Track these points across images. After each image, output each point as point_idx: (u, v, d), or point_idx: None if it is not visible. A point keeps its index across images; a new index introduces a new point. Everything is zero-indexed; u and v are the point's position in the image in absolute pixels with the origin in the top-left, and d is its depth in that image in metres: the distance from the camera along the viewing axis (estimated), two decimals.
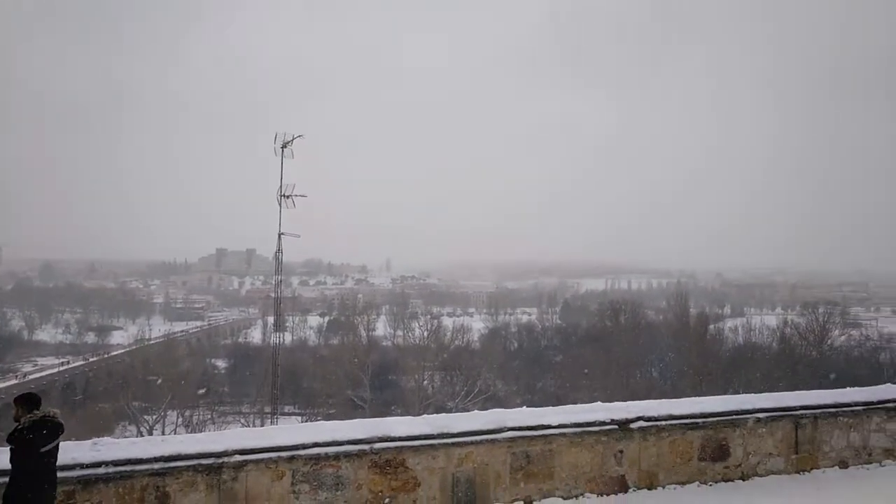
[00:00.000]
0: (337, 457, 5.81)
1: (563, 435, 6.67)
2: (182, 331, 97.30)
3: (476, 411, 7.06)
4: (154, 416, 44.20)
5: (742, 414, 7.43)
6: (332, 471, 5.81)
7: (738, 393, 9.26)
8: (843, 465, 7.85)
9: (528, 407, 7.58)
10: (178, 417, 43.94)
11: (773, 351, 61.06)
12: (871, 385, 9.05)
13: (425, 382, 56.70)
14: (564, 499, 6.57)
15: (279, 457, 5.59)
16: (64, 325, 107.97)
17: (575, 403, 7.82)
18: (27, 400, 4.64)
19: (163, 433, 38.82)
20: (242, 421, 46.70)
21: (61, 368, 68.12)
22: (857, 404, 8.03)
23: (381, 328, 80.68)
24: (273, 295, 25.55)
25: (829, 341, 61.05)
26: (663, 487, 6.97)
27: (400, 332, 73.97)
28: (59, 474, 4.68)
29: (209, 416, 46.83)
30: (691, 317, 67.24)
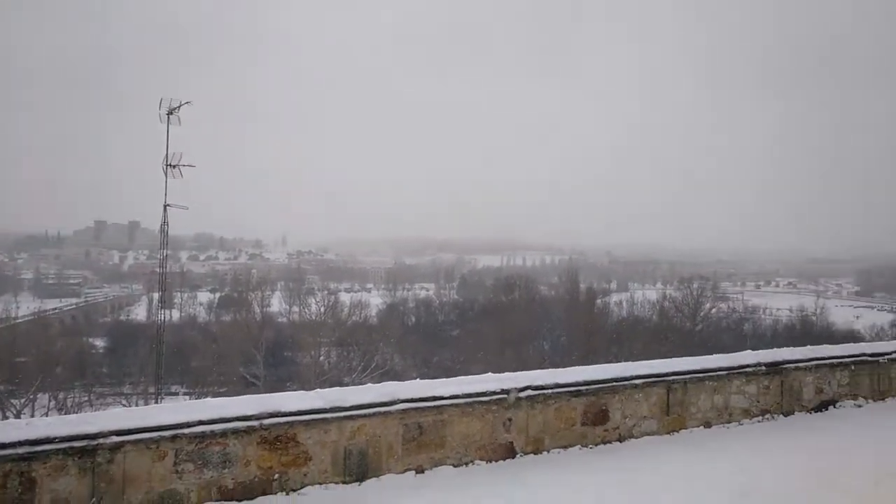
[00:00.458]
0: (224, 434, 5.63)
1: (455, 405, 6.82)
2: (55, 308, 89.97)
3: (369, 385, 7.06)
4: (22, 400, 40.83)
5: (621, 381, 7.92)
6: (219, 448, 5.63)
7: (622, 362, 9.94)
8: (708, 425, 8.59)
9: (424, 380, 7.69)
10: (49, 401, 40.84)
11: (653, 323, 65.58)
12: (734, 352, 9.92)
13: (322, 358, 56.06)
14: (455, 466, 6.75)
15: (160, 436, 5.34)
16: None
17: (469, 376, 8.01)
18: None
19: (32, 417, 35.96)
20: (124, 402, 44.22)
21: None
22: (720, 369, 8.78)
23: (277, 304, 78.69)
24: (158, 270, 24.15)
25: (701, 313, 66.37)
26: (548, 452, 7.32)
27: (296, 308, 72.46)
28: None
29: (86, 399, 43.90)
30: (581, 292, 70.69)
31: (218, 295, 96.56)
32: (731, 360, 9.03)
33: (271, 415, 5.86)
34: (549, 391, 7.34)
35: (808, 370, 9.51)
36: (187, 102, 21.45)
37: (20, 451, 4.90)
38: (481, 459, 6.94)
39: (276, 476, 5.89)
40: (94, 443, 5.12)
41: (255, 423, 5.77)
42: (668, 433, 8.25)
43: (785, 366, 9.28)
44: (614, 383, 7.86)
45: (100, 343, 62.93)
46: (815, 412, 9.49)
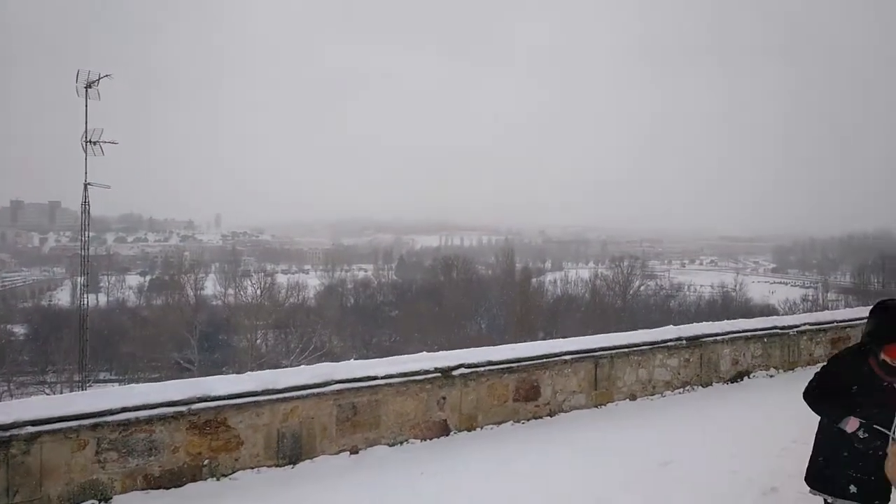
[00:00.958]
0: (150, 420, 5.48)
1: (390, 385, 6.87)
2: None
3: (303, 366, 7.02)
4: None
5: (551, 357, 8.15)
6: (145, 436, 5.48)
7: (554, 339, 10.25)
8: (633, 397, 8.97)
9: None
10: None
11: (585, 300, 67.53)
12: (659, 327, 10.36)
13: (258, 341, 55.09)
14: (390, 445, 6.81)
15: (80, 425, 5.15)
16: None
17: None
18: None
19: None
20: (48, 391, 42.20)
21: None
22: (645, 344, 9.16)
23: (211, 287, 76.53)
24: (81, 252, 23.02)
25: (631, 291, 68.80)
26: (482, 428, 7.49)
27: (231, 291, 70.64)
28: None
29: (5, 389, 41.69)
30: (516, 271, 71.96)
31: (148, 278, 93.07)
32: (655, 335, 9.43)
33: (200, 399, 5.74)
34: (482, 369, 7.49)
35: (725, 343, 10.05)
36: (107, 76, 20.43)
37: None
38: (416, 438, 7.03)
39: (206, 462, 5.79)
40: (7, 434, 4.89)
41: (182, 408, 5.64)
42: (597, 406, 8.57)
43: (704, 339, 9.77)
44: (545, 359, 8.08)
45: (19, 330, 59.62)
46: (731, 383, 10.06)
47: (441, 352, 7.78)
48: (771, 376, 10.48)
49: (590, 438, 7.32)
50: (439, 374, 7.19)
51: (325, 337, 57.07)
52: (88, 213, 21.18)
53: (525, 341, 9.67)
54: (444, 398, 7.24)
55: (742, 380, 10.22)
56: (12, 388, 42.17)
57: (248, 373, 6.50)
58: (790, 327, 10.95)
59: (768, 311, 56.16)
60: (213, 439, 5.82)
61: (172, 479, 5.64)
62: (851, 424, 3.20)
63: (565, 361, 8.26)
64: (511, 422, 7.72)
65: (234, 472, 5.92)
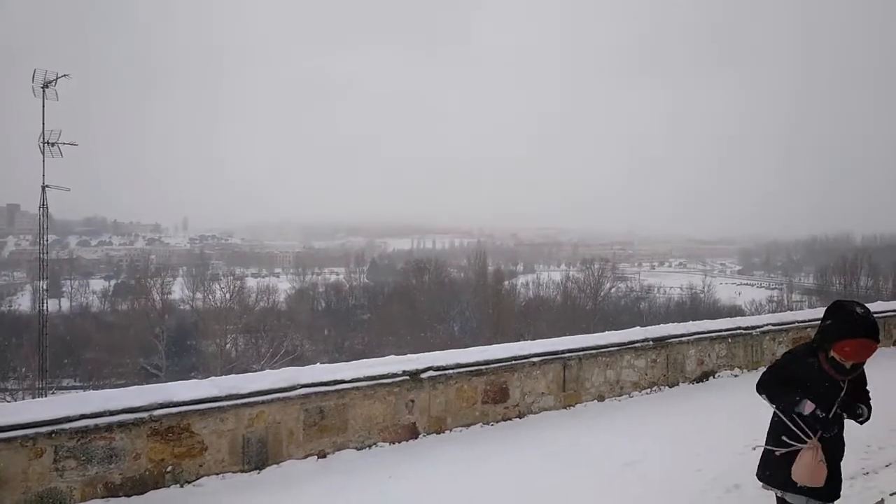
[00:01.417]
0: (110, 427, 5.36)
1: (357, 388, 6.82)
2: None
3: (268, 370, 6.92)
4: None
5: (520, 359, 8.19)
6: (105, 443, 5.35)
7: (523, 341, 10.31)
8: (601, 398, 9.06)
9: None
10: None
11: (557, 303, 68.05)
12: (627, 329, 10.48)
13: (228, 346, 54.32)
14: (358, 449, 6.76)
15: (37, 433, 5.00)
16: None
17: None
18: None
19: None
20: (8, 398, 40.99)
21: None
22: (613, 345, 9.26)
23: (179, 291, 75.19)
24: (40, 256, 22.44)
25: (602, 293, 69.56)
26: (451, 431, 7.48)
27: (199, 295, 69.52)
28: None
29: None
30: (489, 274, 72.22)
31: (113, 282, 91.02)
32: (623, 337, 9.54)
33: (162, 405, 5.63)
34: (451, 371, 7.49)
35: (691, 344, 10.22)
36: (65, 75, 19.90)
37: None
38: (384, 441, 6.99)
39: (170, 468, 5.68)
40: None
41: (144, 414, 5.52)
42: (565, 408, 8.63)
43: (670, 340, 9.92)
44: (513, 362, 8.11)
45: None
46: (697, 382, 10.23)
47: (410, 355, 7.75)
48: (735, 376, 10.68)
49: (558, 439, 7.36)
50: (408, 378, 7.17)
51: (296, 341, 56.57)
52: (47, 215, 20.63)
53: (497, 344, 9.72)
54: (412, 401, 7.22)
55: (707, 379, 10.40)
56: None
57: (211, 378, 6.40)
58: (753, 328, 11.18)
59: (735, 312, 57.28)
60: (176, 446, 5.71)
61: (134, 487, 5.52)
62: (808, 406, 3.29)
63: (534, 363, 8.31)
64: (480, 424, 7.73)
65: (198, 479, 5.81)
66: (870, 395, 3.51)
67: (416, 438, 7.21)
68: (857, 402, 3.40)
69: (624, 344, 9.40)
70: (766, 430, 3.73)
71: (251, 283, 76.12)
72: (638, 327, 10.12)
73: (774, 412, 3.59)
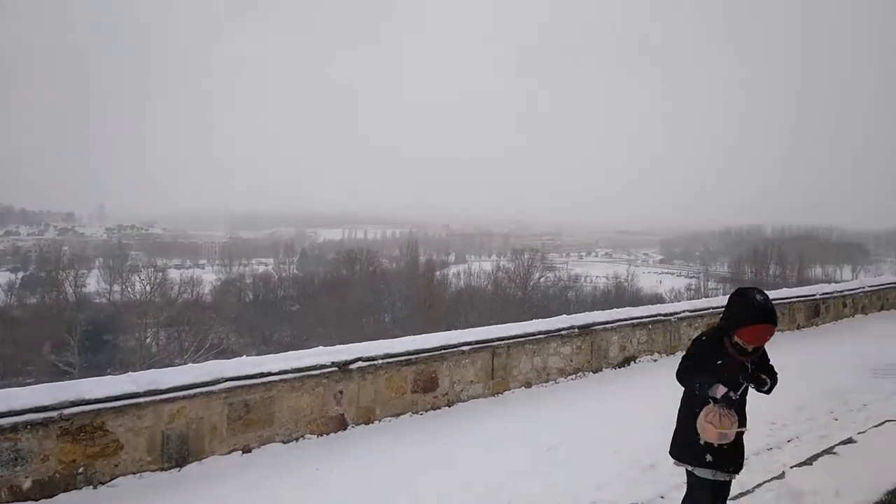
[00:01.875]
0: (14, 428, 5.04)
1: (284, 381, 6.69)
2: None
3: (190, 364, 6.68)
4: None
5: (449, 348, 8.24)
6: (9, 445, 5.03)
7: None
8: (528, 385, 9.25)
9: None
10: None
11: (488, 292, 68.94)
12: (554, 317, 10.71)
13: (149, 340, 52.14)
14: (285, 442, 6.65)
15: None
16: None
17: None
18: None
19: None
20: None
21: None
22: (540, 333, 9.47)
23: (94, 284, 71.52)
24: None
25: (531, 282, 70.97)
26: (380, 421, 7.46)
27: (117, 288, 66.34)
28: None
29: None
30: (420, 264, 72.32)
31: (21, 275, 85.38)
32: (549, 325, 9.77)
33: (74, 403, 5.34)
34: (380, 362, 7.46)
35: (614, 330, 10.58)
36: None
37: None
38: (312, 434, 6.90)
39: (82, 469, 5.40)
40: None
41: (53, 413, 5.22)
42: (493, 395, 8.77)
43: (594, 327, 10.23)
44: (443, 351, 8.16)
45: None
46: (619, 368, 10.61)
47: (338, 345, 7.66)
48: (655, 360, 11.14)
49: (485, 427, 7.48)
50: (336, 369, 7.09)
51: (222, 334, 54.93)
52: None
53: (428, 333, 9.76)
54: (341, 392, 7.15)
55: (629, 364, 10.81)
56: None
57: (128, 373, 6.11)
58: (671, 314, 11.69)
59: (656, 299, 59.74)
60: (88, 445, 5.43)
61: (43, 490, 5.22)
62: (720, 390, 3.46)
63: (463, 352, 8.39)
64: (409, 413, 7.75)
65: (113, 479, 5.56)
66: (774, 369, 3.73)
67: (344, 430, 7.15)
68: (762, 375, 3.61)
69: (551, 332, 9.62)
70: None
71: (174, 274, 73.23)
72: (564, 315, 10.38)
73: (684, 392, 3.77)
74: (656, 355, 11.26)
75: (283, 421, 6.68)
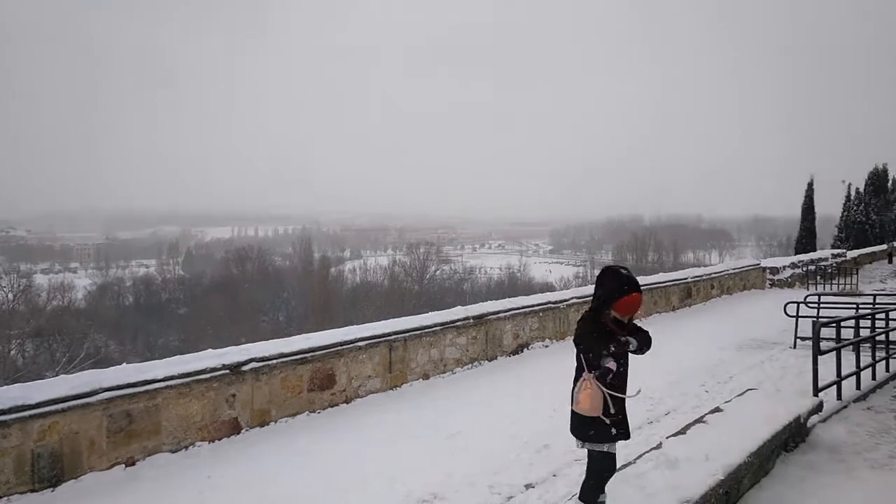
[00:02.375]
0: None
1: (171, 387, 6.36)
2: None
3: (63, 376, 6.17)
4: None
5: (346, 344, 8.17)
6: None
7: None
8: (426, 377, 9.35)
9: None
10: None
11: (384, 287, 68.79)
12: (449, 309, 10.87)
13: (13, 352, 47.54)
14: (173, 451, 6.32)
15: None
16: None
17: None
18: None
19: None
20: None
21: None
22: (436, 325, 9.59)
23: None
24: None
25: (428, 276, 71.58)
26: (276, 422, 7.27)
27: None
28: None
29: None
30: (315, 261, 70.94)
31: None
32: (445, 316, 9.92)
33: None
34: (274, 361, 7.26)
35: (507, 319, 10.91)
36: None
37: None
38: (203, 440, 6.61)
39: None
40: None
41: None
42: (392, 389, 8.79)
43: (489, 317, 10.51)
44: (339, 347, 8.07)
45: None
46: (513, 355, 10.97)
47: (229, 347, 7.37)
48: (546, 346, 11.61)
49: (384, 420, 7.49)
50: (228, 371, 6.83)
51: (99, 342, 51.15)
52: None
53: (324, 330, 9.60)
54: (234, 395, 6.89)
55: (522, 352, 11.19)
56: None
57: None
58: (560, 301, 12.21)
59: (547, 288, 62.06)
60: None
61: None
62: (611, 364, 3.66)
63: (360, 348, 8.34)
64: (306, 412, 7.61)
65: None
66: (648, 332, 3.93)
67: (238, 434, 6.90)
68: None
69: (447, 323, 9.77)
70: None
71: (41, 279, 67.29)
72: (459, 307, 10.57)
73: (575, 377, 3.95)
74: (547, 341, 11.73)
75: (172, 429, 6.35)
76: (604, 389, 3.63)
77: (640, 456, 4.58)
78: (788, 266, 23.17)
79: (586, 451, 3.89)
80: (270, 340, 7.93)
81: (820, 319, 8.31)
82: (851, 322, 9.17)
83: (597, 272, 4.10)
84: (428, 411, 7.84)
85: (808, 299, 14.03)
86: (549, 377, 9.22)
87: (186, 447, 6.45)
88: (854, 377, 7.87)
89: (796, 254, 34.99)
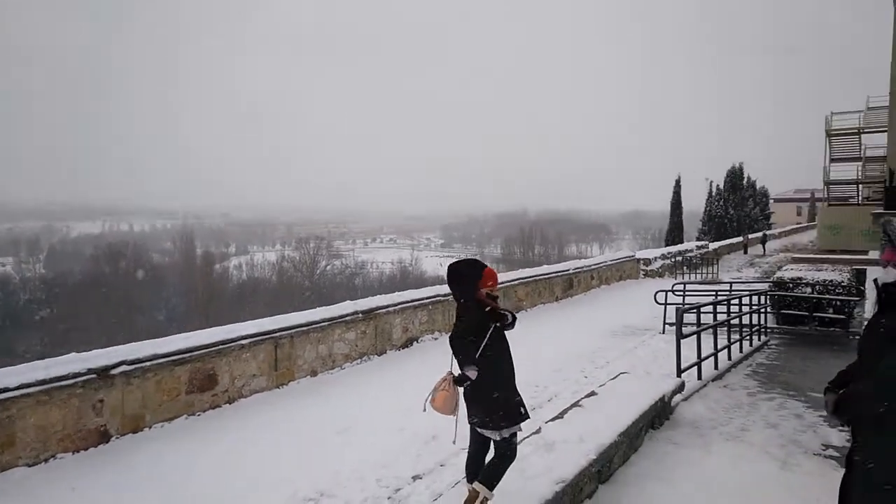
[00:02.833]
0: None
1: (28, 395, 5.82)
2: None
3: None
4: None
5: (228, 342, 7.85)
6: None
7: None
8: (314, 373, 9.19)
9: None
10: None
11: (273, 283, 66.75)
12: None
13: None
14: (31, 465, 5.79)
15: None
16: None
17: None
18: None
19: None
20: None
21: None
22: (324, 321, 9.44)
23: None
24: None
25: (318, 271, 70.24)
26: (150, 428, 6.86)
27: None
28: None
29: None
30: (198, 257, 67.53)
31: None
32: (333, 311, 9.78)
33: None
34: (148, 364, 6.85)
35: (397, 313, 10.94)
36: None
37: None
38: (67, 451, 6.11)
39: None
40: None
41: None
42: (278, 387, 8.56)
43: (378, 311, 10.48)
44: (221, 346, 7.75)
45: None
46: (403, 349, 11.02)
47: (97, 350, 6.85)
48: (436, 339, 11.76)
49: (270, 420, 7.28)
50: (95, 376, 6.36)
51: None
52: None
53: (209, 329, 9.12)
54: (101, 401, 6.42)
55: (412, 345, 11.27)
56: None
57: None
58: (449, 294, 12.34)
59: (439, 281, 62.69)
60: None
61: None
62: (472, 373, 3.77)
63: (243, 346, 8.05)
64: (185, 416, 7.24)
65: None
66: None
67: (107, 443, 6.45)
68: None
69: (335, 318, 9.64)
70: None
71: None
72: (348, 301, 10.46)
73: (484, 368, 4.01)
74: (437, 334, 11.88)
75: (28, 441, 5.82)
76: (458, 394, 3.79)
77: (520, 441, 4.75)
78: (659, 257, 24.93)
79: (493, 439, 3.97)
80: (145, 341, 7.46)
81: (683, 306, 9.01)
82: (710, 308, 10.02)
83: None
84: (316, 408, 7.71)
85: (674, 288, 15.18)
86: (439, 370, 9.33)
87: (47, 460, 5.94)
88: (712, 358, 8.62)
89: (666, 246, 37.72)
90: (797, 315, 12.67)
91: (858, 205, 29.45)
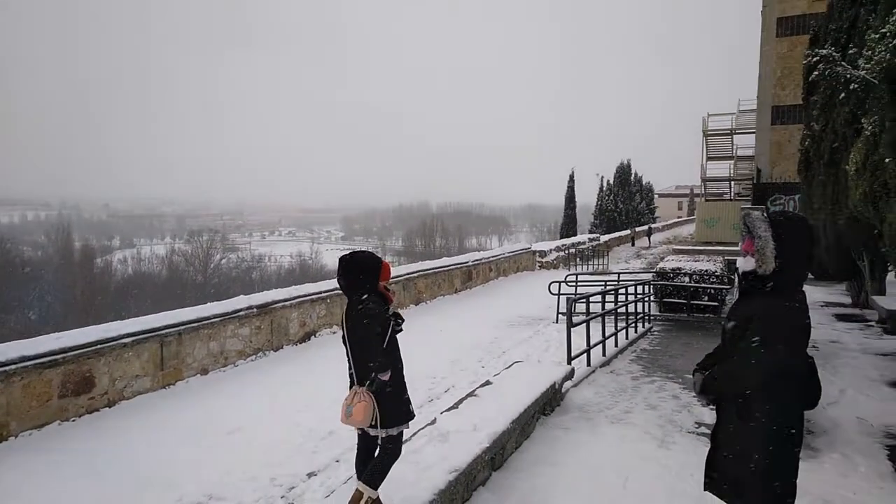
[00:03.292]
0: None
1: None
2: None
3: None
4: None
5: (108, 342, 7.35)
6: None
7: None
8: (205, 372, 8.80)
9: None
10: None
11: (163, 278, 63.24)
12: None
13: None
14: None
15: None
16: None
17: None
18: None
19: None
20: None
21: None
22: (216, 316, 9.05)
23: None
24: None
25: (212, 265, 67.26)
26: (16, 437, 6.30)
27: None
28: None
29: None
30: (76, 251, 62.81)
31: None
32: (226, 307, 9.40)
33: None
34: (13, 367, 6.28)
35: (293, 307, 10.68)
36: None
37: None
38: None
39: None
40: None
41: None
42: (164, 387, 8.13)
43: (273, 306, 10.18)
44: (100, 345, 7.24)
45: None
46: (300, 343, 10.79)
47: None
48: (334, 332, 11.59)
49: (155, 422, 6.90)
50: None
51: None
52: None
53: (85, 327, 8.44)
54: None
55: (310, 339, 11.05)
56: None
57: None
58: None
59: None
60: None
61: None
62: (386, 376, 3.72)
63: (125, 345, 7.57)
64: (58, 422, 6.71)
65: None
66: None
67: None
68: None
69: (228, 314, 9.27)
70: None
71: None
72: (242, 296, 10.09)
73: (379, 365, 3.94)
74: (335, 328, 11.71)
75: None
76: (373, 401, 3.70)
77: (415, 433, 4.78)
78: (554, 249, 25.89)
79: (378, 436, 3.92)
80: (11, 342, 6.84)
81: (575, 296, 9.40)
82: (599, 297, 10.53)
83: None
84: (205, 409, 7.39)
85: (567, 279, 15.82)
86: (336, 363, 9.22)
87: None
88: (601, 345, 9.07)
89: (561, 238, 39.22)
90: (677, 303, 13.58)
91: (731, 200, 32.01)
